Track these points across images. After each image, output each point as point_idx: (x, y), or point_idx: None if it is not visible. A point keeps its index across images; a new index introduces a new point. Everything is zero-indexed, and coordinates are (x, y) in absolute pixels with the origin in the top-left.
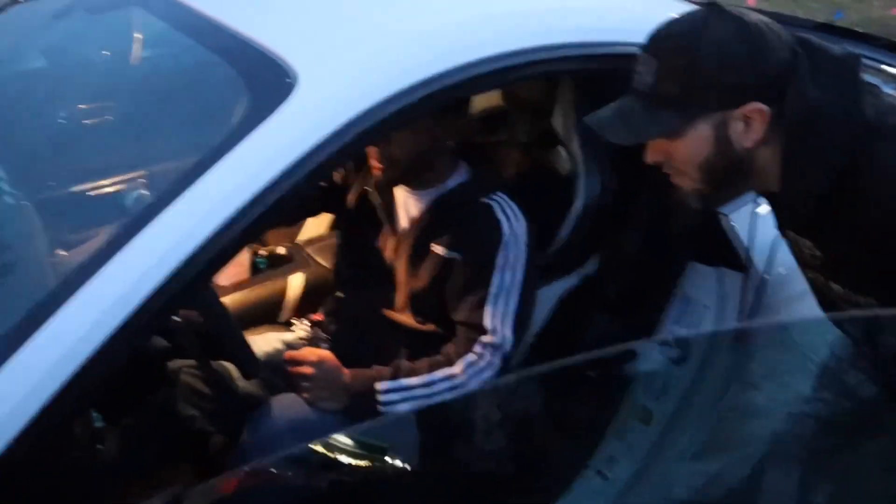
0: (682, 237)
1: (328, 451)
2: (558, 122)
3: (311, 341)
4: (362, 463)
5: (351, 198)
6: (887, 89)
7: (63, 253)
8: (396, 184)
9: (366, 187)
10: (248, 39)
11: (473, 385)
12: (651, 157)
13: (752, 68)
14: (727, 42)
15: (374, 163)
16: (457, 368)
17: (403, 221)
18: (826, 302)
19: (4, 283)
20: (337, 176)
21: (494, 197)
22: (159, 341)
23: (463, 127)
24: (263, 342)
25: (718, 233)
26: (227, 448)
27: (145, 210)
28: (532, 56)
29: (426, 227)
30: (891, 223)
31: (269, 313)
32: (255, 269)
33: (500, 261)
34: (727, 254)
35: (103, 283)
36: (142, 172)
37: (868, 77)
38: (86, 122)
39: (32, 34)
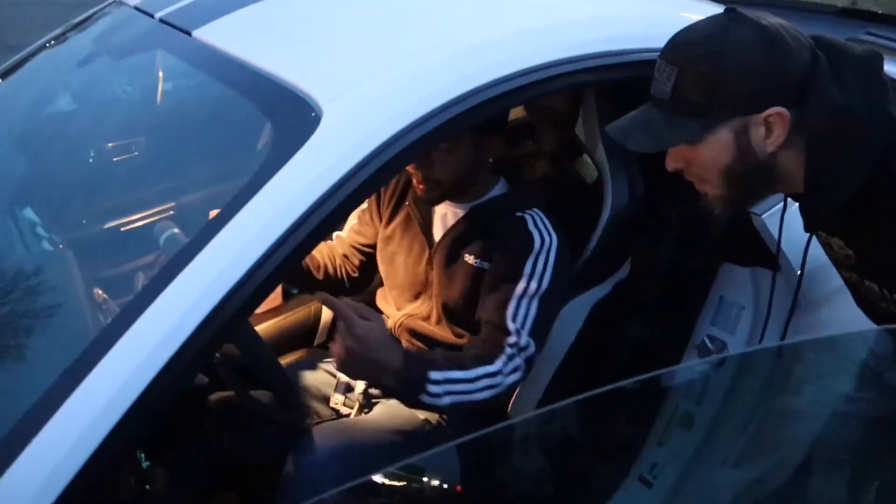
0: (713, 239)
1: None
2: (583, 130)
3: None
4: (400, 484)
5: (386, 213)
6: None
7: (104, 296)
8: (440, 202)
9: (406, 202)
10: (271, 75)
11: (506, 385)
12: (672, 164)
13: (773, 73)
14: (747, 48)
15: (418, 184)
16: (496, 366)
17: (438, 233)
18: (862, 300)
19: (48, 329)
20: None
21: (529, 212)
22: (199, 377)
23: (502, 143)
24: (306, 371)
25: (750, 232)
26: (271, 478)
27: (184, 251)
28: (556, 70)
29: (459, 237)
30: None
31: (304, 337)
32: (287, 294)
33: (527, 269)
34: (760, 253)
35: (146, 326)
36: (174, 212)
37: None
38: (116, 159)
39: (62, 78)
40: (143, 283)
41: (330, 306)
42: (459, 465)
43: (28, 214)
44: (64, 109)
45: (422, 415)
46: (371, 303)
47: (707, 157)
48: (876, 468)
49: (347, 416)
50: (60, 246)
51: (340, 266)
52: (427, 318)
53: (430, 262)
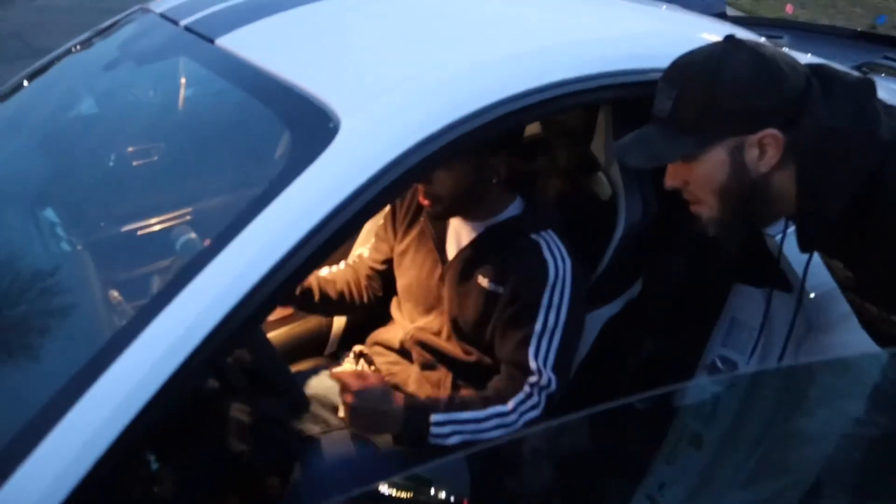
0: (726, 259)
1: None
2: (597, 147)
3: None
4: (408, 495)
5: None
6: None
7: (118, 297)
8: (445, 218)
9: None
10: (291, 85)
11: (521, 424)
12: (670, 181)
13: (768, 95)
14: (744, 71)
15: (421, 198)
16: (508, 406)
17: (452, 250)
18: (865, 322)
19: (64, 328)
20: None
21: (544, 234)
22: (210, 381)
23: (510, 162)
24: (316, 380)
25: (763, 254)
26: (279, 485)
27: (198, 256)
28: (573, 87)
29: (473, 257)
30: None
31: (315, 346)
32: None
33: (545, 301)
34: (773, 274)
35: (159, 330)
36: (191, 217)
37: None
38: (136, 163)
39: (85, 81)
40: (158, 286)
41: (335, 379)
42: (469, 477)
43: (48, 214)
44: (86, 113)
45: None
46: (386, 310)
47: (703, 174)
48: (887, 491)
49: None
50: (78, 247)
51: (366, 287)
52: (438, 333)
53: (442, 278)
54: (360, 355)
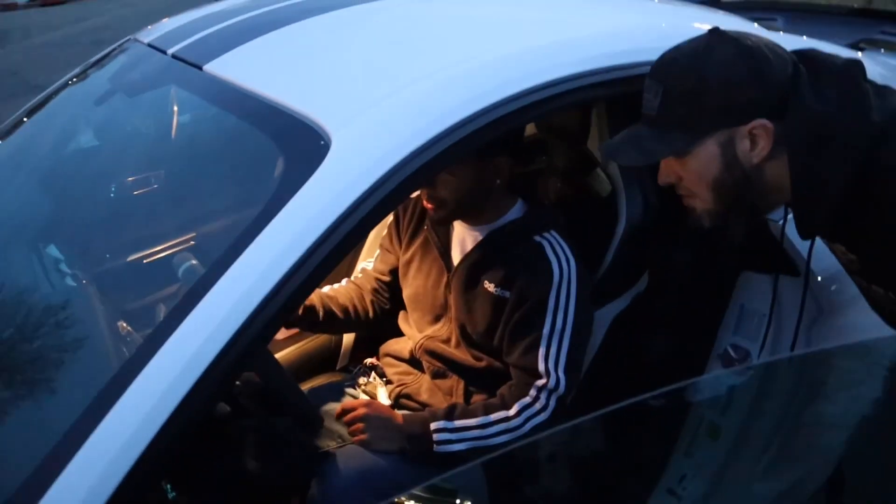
0: (731, 247)
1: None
2: (594, 145)
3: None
4: None
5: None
6: None
7: (125, 328)
8: (449, 222)
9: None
10: (280, 105)
11: (528, 428)
12: (663, 178)
13: (755, 86)
14: (730, 62)
15: (426, 202)
16: (512, 411)
17: (457, 257)
18: (873, 303)
19: (72, 364)
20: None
21: (547, 236)
22: (221, 405)
23: (511, 165)
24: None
25: (768, 240)
26: (297, 502)
27: (199, 282)
28: (565, 86)
29: (478, 263)
30: None
31: (326, 361)
32: None
33: (551, 303)
34: (779, 260)
35: (165, 359)
36: (191, 243)
37: None
38: (134, 193)
39: (79, 117)
40: (163, 315)
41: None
42: (486, 484)
43: (52, 251)
44: (82, 147)
45: None
46: (392, 326)
47: (695, 169)
48: None
49: None
50: (84, 281)
51: (371, 302)
52: (447, 341)
53: (448, 285)
54: (371, 367)
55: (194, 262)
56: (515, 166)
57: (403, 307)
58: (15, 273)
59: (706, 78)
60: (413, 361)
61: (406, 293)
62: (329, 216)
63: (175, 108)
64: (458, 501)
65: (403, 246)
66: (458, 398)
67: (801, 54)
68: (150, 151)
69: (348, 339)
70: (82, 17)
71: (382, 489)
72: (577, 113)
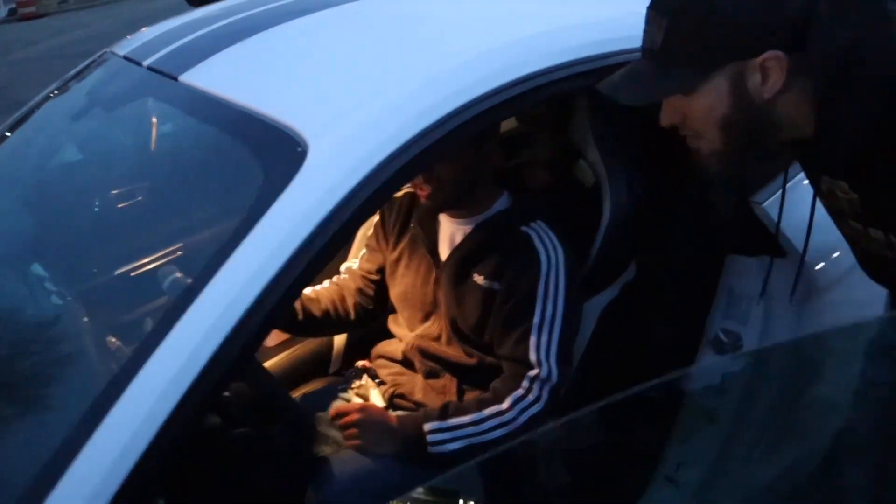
0: (716, 231)
1: None
2: (576, 134)
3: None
4: None
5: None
6: None
7: (111, 343)
8: (443, 209)
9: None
10: (256, 113)
11: (523, 420)
12: (666, 118)
13: (767, 15)
14: None
15: (422, 184)
16: (505, 405)
17: (445, 252)
18: (868, 256)
19: (60, 380)
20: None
21: (534, 226)
22: (212, 417)
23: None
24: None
25: (753, 222)
26: None
27: (183, 294)
28: (545, 78)
29: (466, 256)
30: None
31: (319, 366)
32: None
33: (540, 293)
34: (765, 241)
35: (152, 371)
36: (174, 255)
37: None
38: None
39: (56, 133)
40: (148, 329)
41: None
42: (482, 483)
43: (37, 270)
44: (60, 163)
45: None
46: (384, 328)
47: (703, 107)
48: None
49: None
50: (67, 297)
51: (354, 304)
52: (438, 339)
53: (437, 282)
54: (364, 370)
55: (178, 274)
56: (500, 159)
57: (391, 309)
58: None
59: (714, 7)
60: (405, 362)
61: (395, 292)
62: (310, 222)
63: (153, 121)
64: (457, 501)
65: (391, 245)
66: (452, 396)
67: None
68: (128, 165)
69: (340, 342)
70: (63, 30)
71: (379, 493)
72: (557, 103)
